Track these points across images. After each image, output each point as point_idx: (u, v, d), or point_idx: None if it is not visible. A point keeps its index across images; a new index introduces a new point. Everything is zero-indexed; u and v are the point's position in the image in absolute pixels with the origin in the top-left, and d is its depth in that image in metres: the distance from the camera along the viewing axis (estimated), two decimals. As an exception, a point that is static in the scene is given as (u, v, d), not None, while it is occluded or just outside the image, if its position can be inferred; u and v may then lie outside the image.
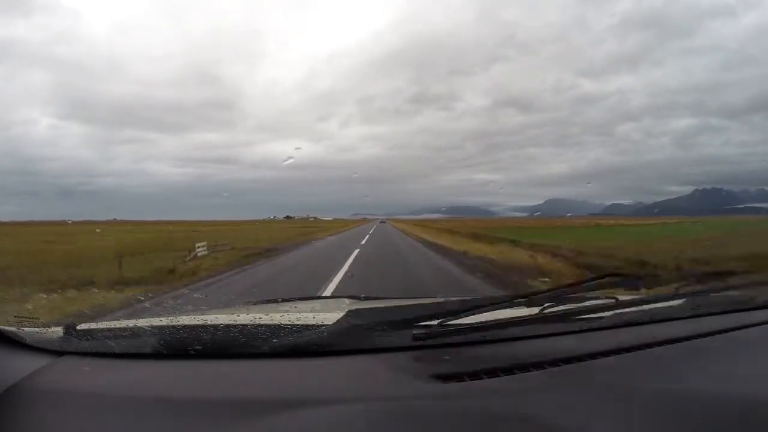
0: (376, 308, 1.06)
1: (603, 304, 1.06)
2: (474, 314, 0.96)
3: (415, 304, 1.12)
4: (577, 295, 1.03)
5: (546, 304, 0.99)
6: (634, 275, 1.08)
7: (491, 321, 0.98)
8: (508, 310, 0.99)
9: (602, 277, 1.05)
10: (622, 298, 1.08)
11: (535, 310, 0.99)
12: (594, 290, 1.05)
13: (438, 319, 0.94)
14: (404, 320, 0.95)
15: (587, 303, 1.04)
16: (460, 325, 0.94)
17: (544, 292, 1.02)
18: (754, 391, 0.78)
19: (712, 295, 1.35)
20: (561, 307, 1.01)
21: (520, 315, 0.99)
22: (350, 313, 0.96)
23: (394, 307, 1.10)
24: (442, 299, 1.57)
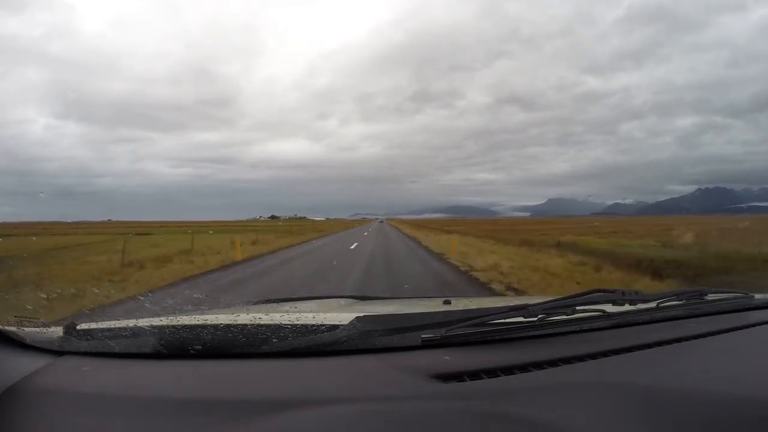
0: (384, 315, 1.08)
1: (593, 316, 1.10)
2: (476, 324, 0.99)
3: (421, 313, 1.12)
4: (568, 308, 1.07)
5: (540, 315, 1.03)
6: (620, 291, 1.16)
7: (492, 323, 1.01)
8: (507, 320, 1.03)
9: (592, 292, 1.13)
10: (610, 311, 1.13)
11: (532, 320, 1.03)
12: (583, 304, 1.09)
13: (443, 327, 0.97)
14: (411, 327, 0.97)
15: (579, 315, 1.08)
16: (463, 334, 0.97)
17: (538, 303, 1.06)
18: (754, 392, 0.78)
19: (710, 295, 1.35)
20: (555, 318, 1.05)
21: (518, 321, 1.02)
22: (358, 319, 0.97)
23: (402, 315, 1.13)
24: (441, 300, 1.62)
